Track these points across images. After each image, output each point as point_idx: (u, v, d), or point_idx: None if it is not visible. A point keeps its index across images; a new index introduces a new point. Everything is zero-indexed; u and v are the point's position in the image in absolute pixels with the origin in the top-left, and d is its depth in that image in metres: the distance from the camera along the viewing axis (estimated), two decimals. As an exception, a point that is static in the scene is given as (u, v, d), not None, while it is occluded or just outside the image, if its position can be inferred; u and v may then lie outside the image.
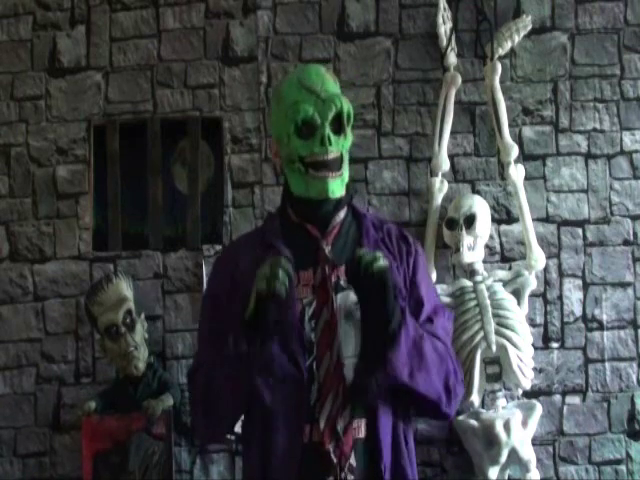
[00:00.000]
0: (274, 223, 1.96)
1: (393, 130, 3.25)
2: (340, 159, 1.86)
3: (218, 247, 3.15)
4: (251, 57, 3.27)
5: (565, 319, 3.17)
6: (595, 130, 3.25)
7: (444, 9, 3.18)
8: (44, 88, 3.27)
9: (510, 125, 3.15)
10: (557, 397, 3.14)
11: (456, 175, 3.22)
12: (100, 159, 3.27)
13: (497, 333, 2.88)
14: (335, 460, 1.74)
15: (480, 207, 3.07)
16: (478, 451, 2.90)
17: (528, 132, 3.24)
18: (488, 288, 2.98)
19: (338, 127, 1.86)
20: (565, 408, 3.14)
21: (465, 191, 3.20)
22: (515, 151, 3.11)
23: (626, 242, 3.21)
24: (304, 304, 1.81)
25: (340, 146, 1.85)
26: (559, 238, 3.20)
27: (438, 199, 3.14)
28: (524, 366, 2.89)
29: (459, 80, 3.17)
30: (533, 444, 2.92)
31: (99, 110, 3.26)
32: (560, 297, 3.18)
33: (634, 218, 3.22)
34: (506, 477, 2.93)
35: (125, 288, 3.02)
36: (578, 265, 3.20)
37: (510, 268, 3.15)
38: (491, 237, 3.16)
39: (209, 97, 3.26)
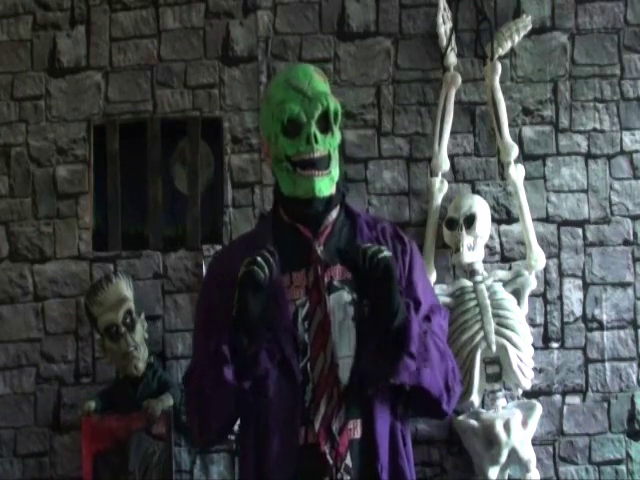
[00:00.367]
0: (266, 225, 1.96)
1: (393, 130, 3.25)
2: (328, 158, 1.85)
3: (218, 247, 3.14)
4: (251, 57, 3.27)
5: (565, 319, 3.17)
6: (595, 130, 3.25)
7: (444, 9, 3.18)
8: (44, 88, 3.27)
9: (510, 125, 3.16)
10: (557, 397, 3.14)
11: (456, 175, 3.22)
12: (100, 159, 3.27)
13: (497, 333, 2.88)
14: (331, 461, 1.74)
15: (480, 207, 3.06)
16: (478, 451, 2.90)
17: (528, 132, 3.24)
18: (488, 288, 2.98)
19: (325, 126, 1.85)
20: (565, 408, 3.14)
21: (465, 191, 3.20)
22: (515, 151, 3.11)
23: (626, 242, 3.21)
24: (297, 305, 1.80)
25: (327, 145, 1.84)
26: (559, 238, 3.20)
27: (438, 199, 3.14)
28: (524, 366, 2.89)
29: (459, 80, 3.17)
30: (533, 444, 2.92)
31: (99, 110, 3.26)
32: (560, 297, 3.18)
33: (634, 218, 3.22)
34: (506, 477, 2.93)
35: (125, 288, 3.02)
36: (578, 265, 3.20)
37: (510, 268, 3.15)
38: (491, 237, 3.16)
39: (209, 97, 3.26)
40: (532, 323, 3.10)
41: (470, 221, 3.01)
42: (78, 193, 3.23)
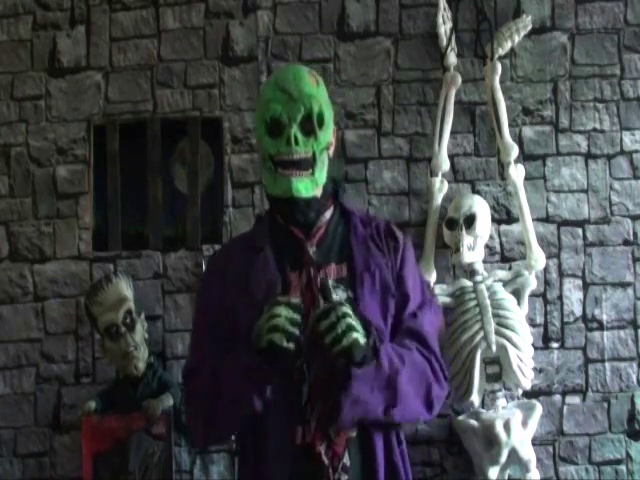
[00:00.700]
0: (263, 226, 1.96)
1: (393, 130, 3.25)
2: (311, 160, 1.85)
3: (218, 247, 3.14)
4: (251, 57, 3.27)
5: (565, 319, 3.17)
6: (595, 130, 3.25)
7: (444, 9, 3.18)
8: (44, 88, 3.27)
9: (510, 125, 3.16)
10: (557, 397, 3.14)
11: (456, 175, 3.22)
12: (100, 159, 3.27)
13: (497, 333, 2.88)
14: (327, 461, 1.74)
15: (480, 207, 3.06)
16: (478, 451, 2.90)
17: (528, 132, 3.24)
18: (488, 288, 2.98)
19: (309, 128, 1.85)
20: (565, 408, 3.14)
21: (465, 191, 3.20)
22: (515, 151, 3.11)
23: (626, 242, 3.21)
24: None
25: (310, 147, 1.84)
26: (559, 238, 3.21)
27: (438, 199, 3.14)
28: (524, 366, 2.89)
29: (459, 80, 3.17)
30: (533, 444, 2.92)
31: (99, 110, 3.26)
32: (560, 297, 3.18)
33: (634, 218, 3.22)
34: (506, 477, 2.93)
35: (125, 288, 3.02)
36: (578, 265, 3.20)
37: (510, 268, 3.15)
38: (491, 237, 3.16)
39: (209, 97, 3.26)
40: (532, 323, 3.10)
41: (470, 221, 3.01)
42: (78, 193, 3.23)
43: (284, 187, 1.84)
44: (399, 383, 1.76)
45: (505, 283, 3.03)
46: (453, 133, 3.19)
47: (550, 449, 3.12)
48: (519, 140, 3.21)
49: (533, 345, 2.97)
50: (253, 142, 3.22)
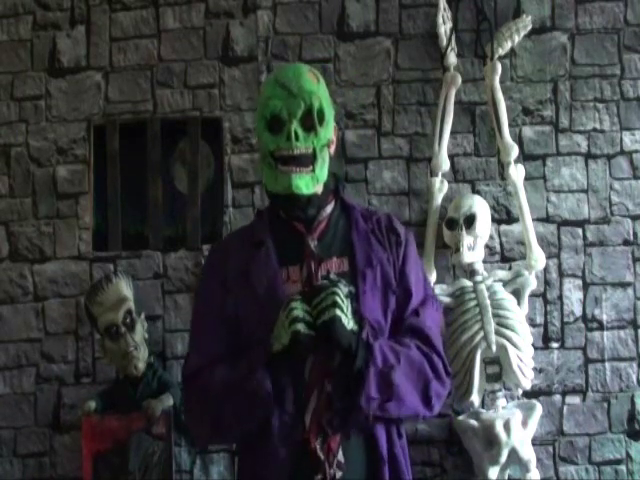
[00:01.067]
0: (263, 220, 1.96)
1: (393, 130, 3.25)
2: (312, 156, 1.85)
3: (218, 247, 3.14)
4: (251, 57, 3.27)
5: (565, 319, 3.17)
6: (595, 130, 3.25)
7: (444, 9, 3.18)
8: (44, 88, 3.27)
9: (510, 125, 3.15)
10: (557, 397, 3.14)
11: (456, 175, 3.22)
12: (100, 159, 3.27)
13: (497, 333, 2.88)
14: (323, 457, 1.74)
15: (480, 207, 3.06)
16: (478, 451, 2.90)
17: (528, 132, 3.24)
18: (488, 288, 2.98)
19: (309, 124, 1.85)
20: (565, 408, 3.14)
21: (465, 191, 3.20)
22: (515, 151, 3.10)
23: (626, 242, 3.21)
24: None
25: (310, 143, 1.84)
26: (559, 238, 3.20)
27: (438, 199, 3.14)
28: (524, 366, 2.89)
29: (459, 80, 3.17)
30: (533, 444, 2.92)
31: (99, 110, 3.26)
32: (560, 297, 3.18)
33: (634, 218, 3.22)
34: (506, 477, 2.93)
35: (125, 288, 3.01)
36: (578, 265, 3.20)
37: (510, 268, 3.15)
38: (491, 237, 3.16)
39: (209, 97, 3.26)
40: (532, 323, 3.10)
41: (470, 221, 3.01)
42: (78, 193, 3.23)
43: (284, 184, 1.84)
44: (394, 378, 1.76)
45: (505, 283, 3.03)
46: (453, 133, 3.19)
47: (550, 449, 3.12)
48: (519, 140, 3.21)
49: (533, 345, 2.97)
50: (253, 142, 3.22)
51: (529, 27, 3.19)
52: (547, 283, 3.18)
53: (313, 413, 1.75)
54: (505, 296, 2.97)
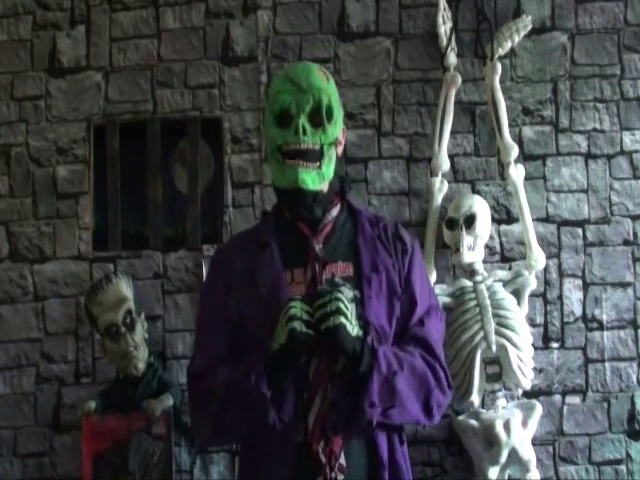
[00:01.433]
0: (269, 221, 1.96)
1: (393, 130, 3.25)
2: (319, 152, 1.85)
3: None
4: (251, 57, 3.27)
5: (565, 319, 3.17)
6: (595, 130, 3.25)
7: (444, 9, 3.18)
8: (44, 88, 3.27)
9: (510, 125, 3.16)
10: (557, 397, 3.14)
11: (456, 175, 3.22)
12: (100, 159, 3.27)
13: (497, 333, 2.88)
14: (324, 460, 1.74)
15: (480, 207, 3.06)
16: (478, 451, 2.90)
17: (528, 132, 3.24)
18: (488, 288, 2.98)
19: (317, 120, 1.85)
20: (565, 408, 3.14)
21: (465, 191, 3.20)
22: (515, 151, 3.11)
23: (626, 242, 3.21)
24: None
25: (318, 139, 1.84)
26: (559, 238, 3.21)
27: (438, 199, 3.14)
28: (524, 366, 2.89)
29: (459, 80, 3.17)
30: (533, 444, 2.92)
31: (99, 110, 3.26)
32: (560, 297, 3.18)
33: (634, 218, 3.22)
34: (506, 477, 2.93)
35: (125, 288, 3.02)
36: (578, 265, 3.20)
37: (510, 268, 3.15)
38: (491, 237, 3.16)
39: (209, 97, 3.26)
40: (532, 323, 3.10)
41: (470, 221, 3.01)
42: (78, 193, 3.23)
43: (290, 178, 1.83)
44: (397, 385, 1.76)
45: (505, 283, 3.03)
46: (453, 133, 3.19)
47: (550, 449, 3.12)
48: (519, 140, 3.21)
49: (533, 345, 2.97)
50: (253, 142, 3.22)
51: (529, 27, 3.20)
52: (547, 283, 3.18)
53: (316, 416, 1.75)
54: (505, 296, 2.97)
